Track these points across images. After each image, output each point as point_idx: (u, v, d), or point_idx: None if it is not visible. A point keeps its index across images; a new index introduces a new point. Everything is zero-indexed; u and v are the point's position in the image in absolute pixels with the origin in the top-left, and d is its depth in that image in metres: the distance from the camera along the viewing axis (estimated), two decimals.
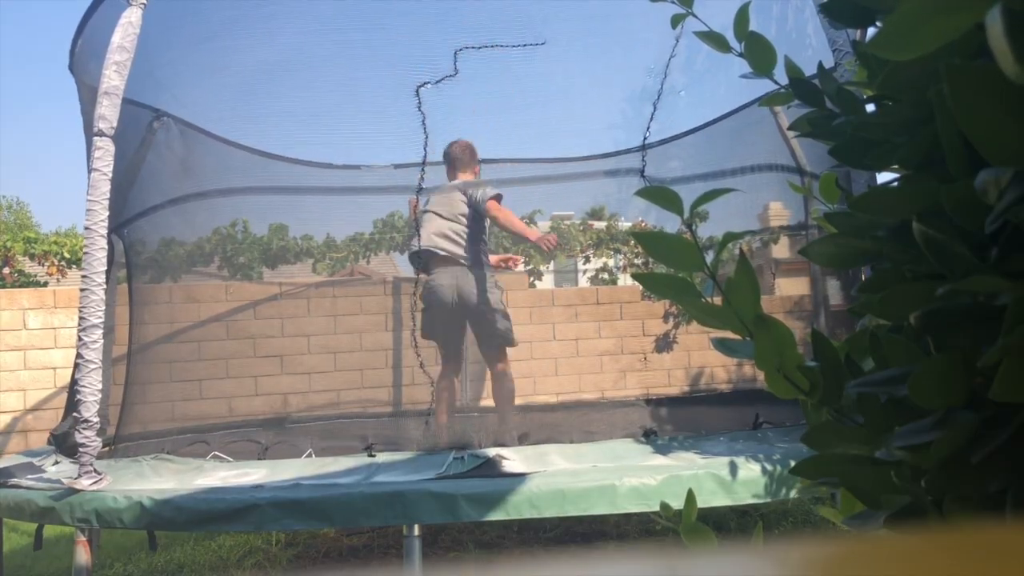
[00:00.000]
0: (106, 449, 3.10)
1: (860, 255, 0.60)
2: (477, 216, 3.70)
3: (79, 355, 2.56)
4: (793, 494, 2.52)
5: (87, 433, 2.49)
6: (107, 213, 2.60)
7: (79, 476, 2.48)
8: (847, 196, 0.64)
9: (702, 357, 5.89)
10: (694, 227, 0.64)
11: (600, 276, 6.42)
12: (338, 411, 4.83)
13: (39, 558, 3.30)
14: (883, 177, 0.68)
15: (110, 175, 2.62)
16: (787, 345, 0.60)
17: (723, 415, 3.77)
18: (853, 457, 0.57)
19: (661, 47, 4.09)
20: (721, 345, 0.64)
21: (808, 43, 3.16)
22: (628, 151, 4.83)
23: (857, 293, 0.60)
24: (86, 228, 2.60)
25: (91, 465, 2.50)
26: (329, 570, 3.25)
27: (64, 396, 4.13)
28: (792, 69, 0.77)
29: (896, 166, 0.58)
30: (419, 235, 3.74)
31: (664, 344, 5.95)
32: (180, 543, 3.59)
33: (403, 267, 6.22)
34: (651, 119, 4.49)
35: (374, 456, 2.91)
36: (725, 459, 2.50)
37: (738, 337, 0.62)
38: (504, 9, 3.86)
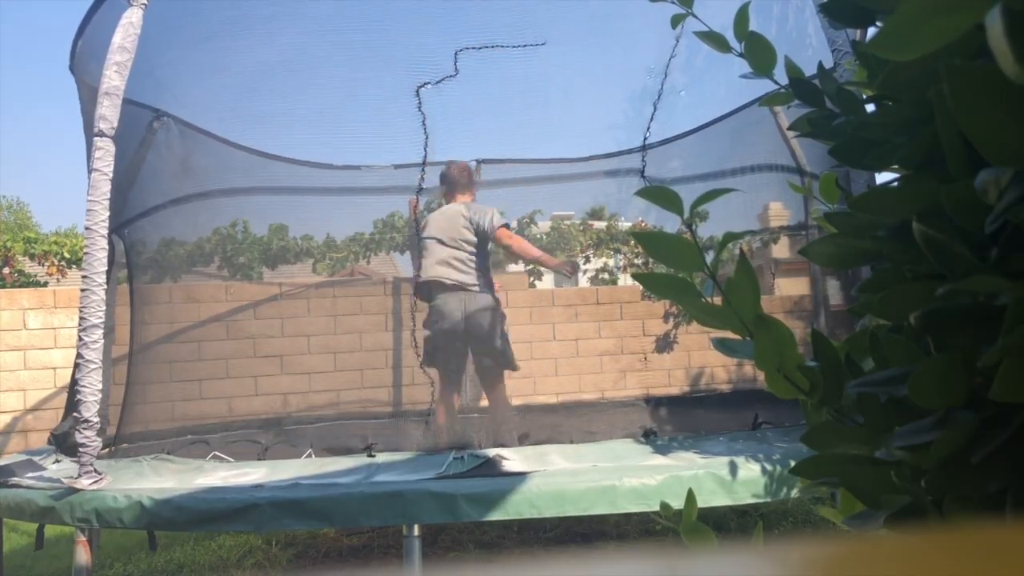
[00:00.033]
0: (106, 451, 3.10)
1: (860, 255, 0.60)
2: (481, 241, 3.63)
3: (79, 355, 2.56)
4: (794, 494, 2.52)
5: (87, 433, 2.49)
6: (107, 213, 2.60)
7: (79, 476, 2.48)
8: (847, 196, 0.64)
9: (702, 357, 5.89)
10: (694, 227, 0.64)
11: (600, 276, 6.42)
12: (338, 411, 4.84)
13: (39, 558, 3.30)
14: (883, 177, 0.68)
15: (111, 175, 2.62)
16: (787, 345, 0.60)
17: (723, 415, 3.77)
18: (853, 457, 0.57)
19: (661, 47, 4.10)
20: (721, 345, 0.64)
21: (808, 43, 3.16)
22: (629, 151, 4.84)
23: (857, 293, 0.60)
24: (86, 228, 2.60)
25: (91, 465, 2.50)
26: (329, 570, 3.25)
27: (64, 396, 4.13)
28: (792, 69, 0.77)
29: (896, 166, 0.58)
30: (421, 265, 3.64)
31: (664, 344, 5.95)
32: (180, 543, 3.59)
33: (403, 267, 6.23)
34: (651, 119, 4.50)
35: (374, 456, 2.92)
36: (725, 459, 2.50)
37: (738, 337, 0.62)
38: (504, 10, 3.86)
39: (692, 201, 0.63)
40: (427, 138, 3.73)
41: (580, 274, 5.12)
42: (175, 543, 3.60)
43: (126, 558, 3.40)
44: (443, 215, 3.74)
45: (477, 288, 3.57)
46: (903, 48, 0.41)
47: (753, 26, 0.80)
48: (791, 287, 6.11)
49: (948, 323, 0.46)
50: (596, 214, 6.07)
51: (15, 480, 2.71)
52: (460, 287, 3.54)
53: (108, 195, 2.60)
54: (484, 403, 4.01)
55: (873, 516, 0.55)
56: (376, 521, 2.35)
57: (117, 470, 2.79)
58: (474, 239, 3.61)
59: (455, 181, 3.84)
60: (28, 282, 6.10)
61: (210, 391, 4.91)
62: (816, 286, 4.53)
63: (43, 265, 6.21)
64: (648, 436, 3.09)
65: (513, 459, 2.65)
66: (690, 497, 0.79)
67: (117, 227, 3.35)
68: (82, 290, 2.57)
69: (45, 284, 6.13)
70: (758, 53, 0.79)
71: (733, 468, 2.44)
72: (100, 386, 2.58)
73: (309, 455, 3.03)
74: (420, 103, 3.71)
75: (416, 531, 2.35)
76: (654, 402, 4.69)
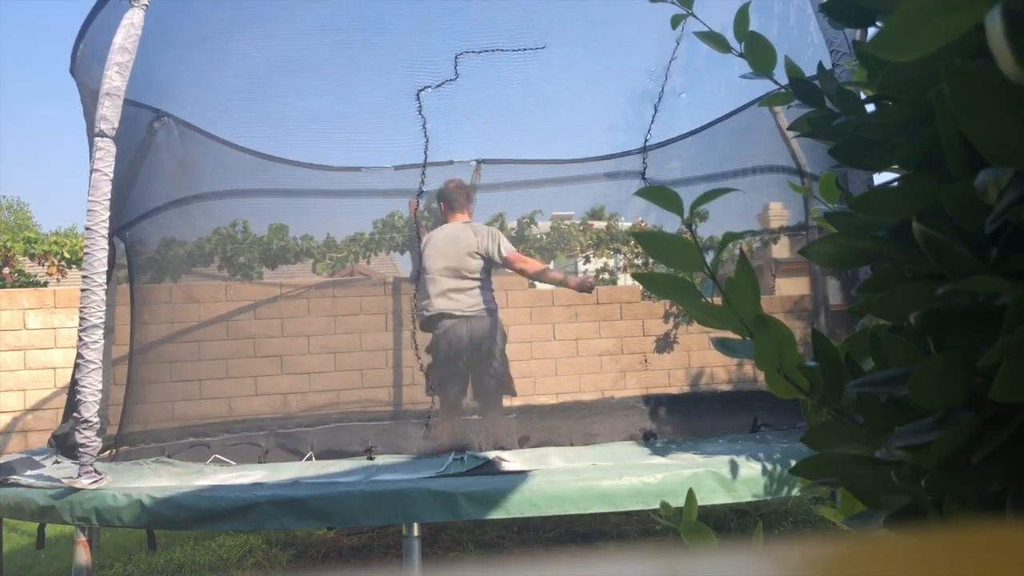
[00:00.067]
0: (107, 453, 3.10)
1: (860, 255, 0.60)
2: (487, 265, 3.61)
3: (79, 355, 2.56)
4: (794, 493, 2.52)
5: (87, 433, 2.49)
6: (108, 213, 2.60)
7: (79, 475, 2.48)
8: (847, 196, 0.64)
9: (702, 357, 5.89)
10: (694, 227, 0.64)
11: (600, 276, 6.42)
12: (338, 411, 4.83)
13: (39, 558, 3.30)
14: (882, 177, 0.68)
15: (111, 176, 2.62)
16: (787, 345, 0.60)
17: (723, 416, 3.77)
18: (853, 457, 0.57)
19: (661, 49, 4.09)
20: (721, 345, 0.64)
21: (809, 42, 3.15)
22: (629, 153, 4.84)
23: (857, 293, 0.60)
24: (87, 228, 2.60)
25: (91, 465, 2.50)
26: (329, 570, 3.25)
27: (64, 396, 4.13)
28: (792, 69, 0.77)
29: (896, 166, 0.58)
30: (427, 296, 3.59)
31: (664, 344, 5.95)
32: (180, 543, 3.59)
33: (403, 267, 6.23)
34: (652, 121, 4.49)
35: (373, 459, 2.92)
36: (725, 458, 2.51)
37: (738, 337, 0.62)
38: (505, 11, 3.86)
39: (692, 201, 0.63)
40: (427, 141, 3.73)
41: (580, 274, 5.10)
42: (175, 543, 3.60)
43: (126, 558, 3.40)
44: (447, 239, 3.67)
45: (482, 312, 3.55)
46: (903, 48, 0.41)
47: (753, 26, 0.80)
48: (791, 287, 6.11)
49: (948, 323, 0.46)
50: (596, 214, 6.07)
51: (15, 479, 2.71)
52: (465, 316, 3.53)
53: (109, 195, 2.61)
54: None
55: (873, 516, 0.55)
56: (376, 520, 2.35)
57: (117, 472, 2.79)
58: (480, 264, 3.58)
59: (452, 199, 3.80)
60: (28, 282, 6.10)
61: (210, 391, 4.90)
62: (816, 286, 4.53)
63: (43, 265, 6.22)
64: (648, 439, 3.09)
65: (513, 460, 2.65)
66: (690, 497, 0.79)
67: (118, 229, 3.35)
68: (82, 290, 2.57)
69: (45, 284, 6.13)
70: (758, 53, 0.79)
71: (733, 467, 2.44)
72: (100, 386, 2.58)
73: (309, 458, 3.03)
74: (420, 106, 3.71)
75: (416, 531, 2.35)
76: (654, 402, 4.69)
